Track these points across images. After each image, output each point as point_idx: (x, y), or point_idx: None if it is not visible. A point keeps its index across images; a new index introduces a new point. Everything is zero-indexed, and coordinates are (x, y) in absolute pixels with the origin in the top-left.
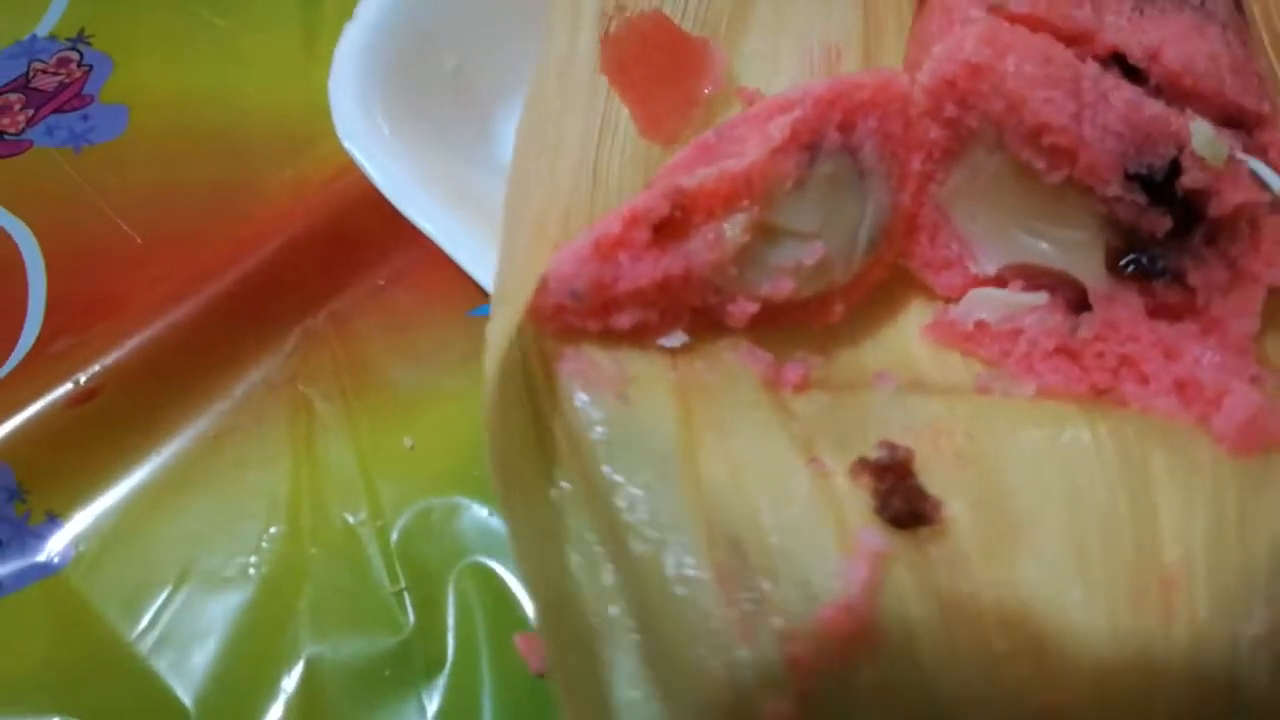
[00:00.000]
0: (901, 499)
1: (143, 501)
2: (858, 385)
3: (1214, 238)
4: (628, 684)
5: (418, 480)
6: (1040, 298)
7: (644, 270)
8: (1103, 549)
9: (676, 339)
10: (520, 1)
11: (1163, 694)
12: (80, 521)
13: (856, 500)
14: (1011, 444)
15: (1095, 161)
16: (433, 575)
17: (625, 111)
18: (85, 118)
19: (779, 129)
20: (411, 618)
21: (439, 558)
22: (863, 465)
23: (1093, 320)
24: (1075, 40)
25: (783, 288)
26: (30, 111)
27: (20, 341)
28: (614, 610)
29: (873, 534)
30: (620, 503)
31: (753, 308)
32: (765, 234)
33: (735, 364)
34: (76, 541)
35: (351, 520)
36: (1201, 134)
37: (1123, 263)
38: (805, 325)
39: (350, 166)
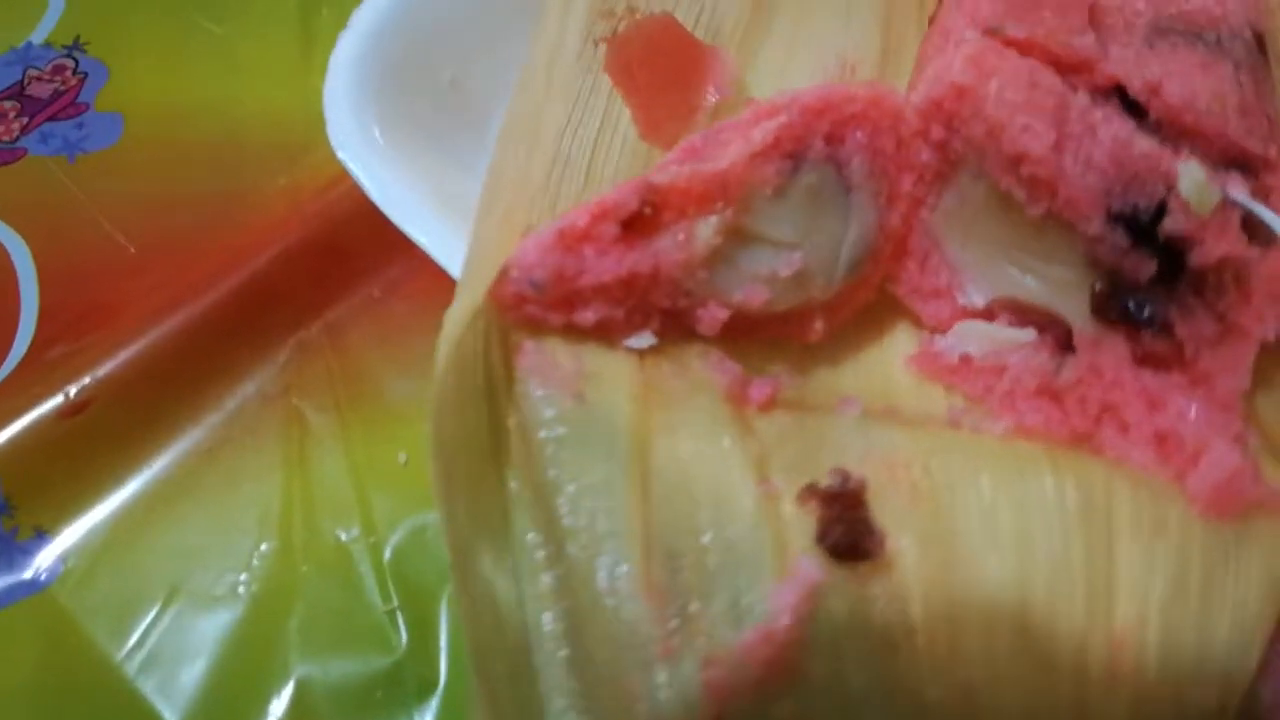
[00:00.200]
0: (844, 529)
1: (132, 517)
2: (823, 408)
3: (1200, 288)
4: (554, 693)
5: (411, 496)
6: (1028, 334)
7: (609, 265)
8: (1049, 600)
9: (644, 340)
10: (519, 14)
11: None
12: (68, 537)
13: (801, 526)
14: (970, 483)
15: (1075, 197)
16: (426, 594)
17: (627, 113)
18: (80, 126)
19: (762, 133)
20: (404, 638)
21: (432, 576)
22: (811, 491)
23: (1077, 363)
24: (1075, 69)
25: (756, 296)
26: (25, 119)
27: (11, 352)
28: (546, 617)
29: (810, 562)
30: (562, 505)
31: (723, 314)
32: (740, 239)
33: (702, 372)
34: (64, 558)
35: (344, 537)
36: (1190, 177)
37: (1106, 308)
38: (784, 340)
39: (346, 175)
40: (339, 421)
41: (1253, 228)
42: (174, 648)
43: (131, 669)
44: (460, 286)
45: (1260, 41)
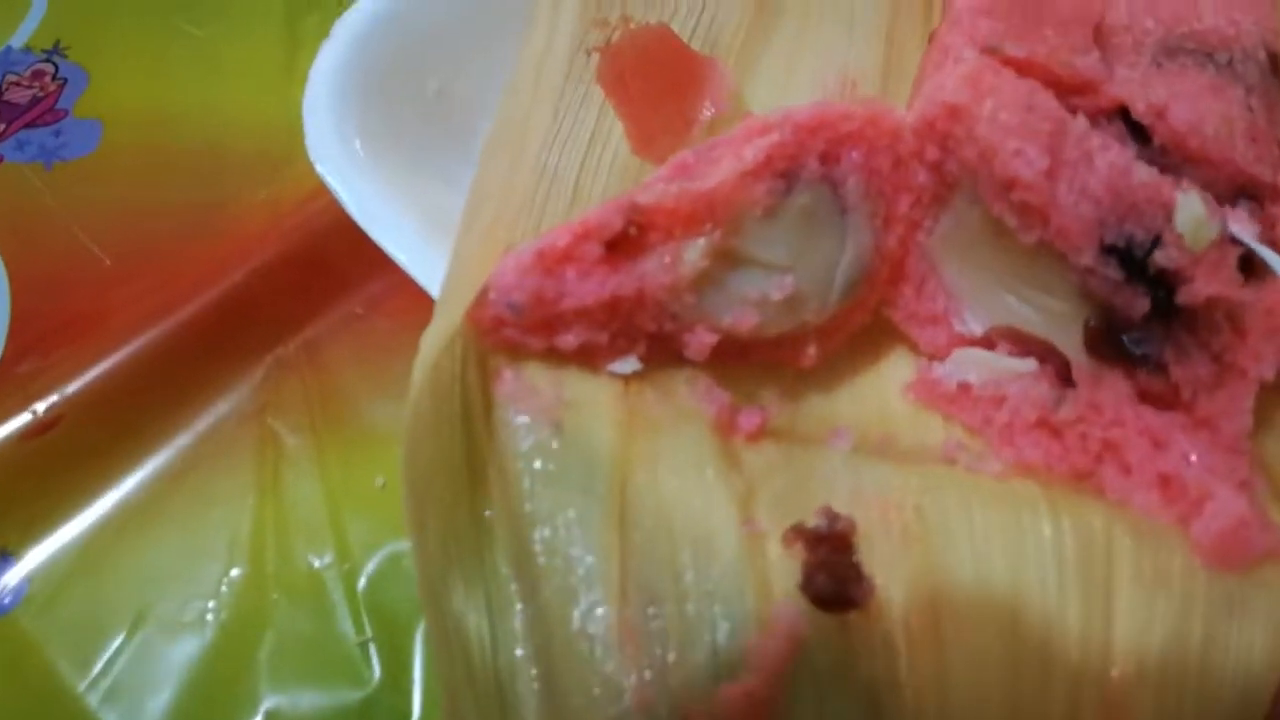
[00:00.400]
0: (829, 576)
1: (100, 539)
2: (813, 440)
3: (1193, 326)
4: None
5: (388, 521)
6: (1029, 364)
7: (591, 288)
8: (1042, 656)
9: (629, 365)
10: (510, 21)
11: None
12: (34, 559)
13: (786, 569)
14: (963, 526)
15: (1067, 226)
16: (401, 625)
17: (618, 126)
18: (58, 133)
19: (753, 151)
20: (377, 670)
21: (408, 606)
22: (797, 533)
23: (1077, 398)
24: (1077, 90)
25: (746, 320)
26: (1, 126)
27: None
28: (519, 652)
29: (792, 610)
30: (537, 542)
31: (711, 339)
32: (729, 261)
33: (688, 400)
34: (29, 579)
35: (317, 564)
36: (1187, 210)
37: (1100, 344)
38: (776, 366)
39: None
40: (314, 443)
41: (1253, 260)
42: (139, 677)
43: (94, 699)
44: (438, 307)
45: (1275, 63)
